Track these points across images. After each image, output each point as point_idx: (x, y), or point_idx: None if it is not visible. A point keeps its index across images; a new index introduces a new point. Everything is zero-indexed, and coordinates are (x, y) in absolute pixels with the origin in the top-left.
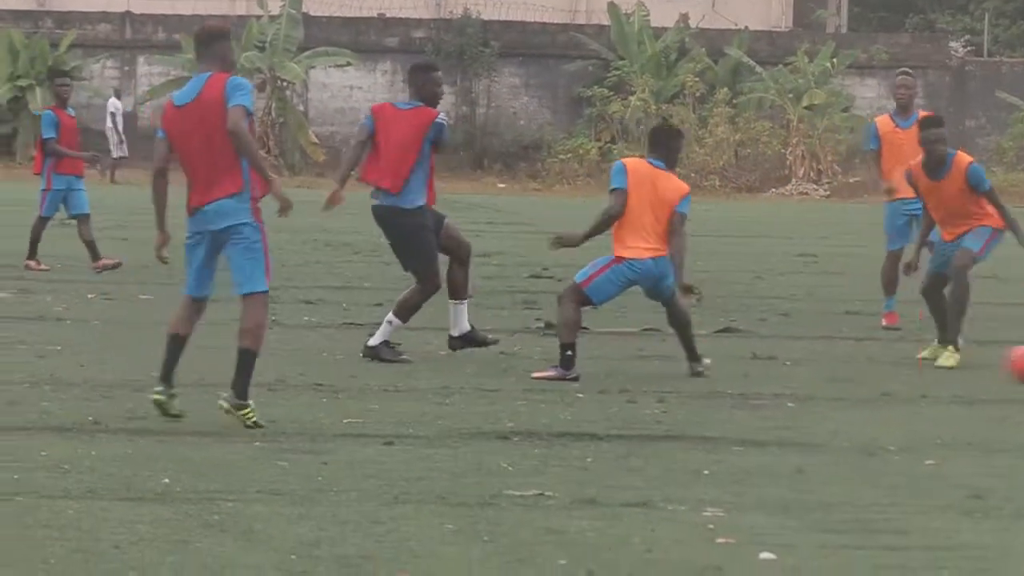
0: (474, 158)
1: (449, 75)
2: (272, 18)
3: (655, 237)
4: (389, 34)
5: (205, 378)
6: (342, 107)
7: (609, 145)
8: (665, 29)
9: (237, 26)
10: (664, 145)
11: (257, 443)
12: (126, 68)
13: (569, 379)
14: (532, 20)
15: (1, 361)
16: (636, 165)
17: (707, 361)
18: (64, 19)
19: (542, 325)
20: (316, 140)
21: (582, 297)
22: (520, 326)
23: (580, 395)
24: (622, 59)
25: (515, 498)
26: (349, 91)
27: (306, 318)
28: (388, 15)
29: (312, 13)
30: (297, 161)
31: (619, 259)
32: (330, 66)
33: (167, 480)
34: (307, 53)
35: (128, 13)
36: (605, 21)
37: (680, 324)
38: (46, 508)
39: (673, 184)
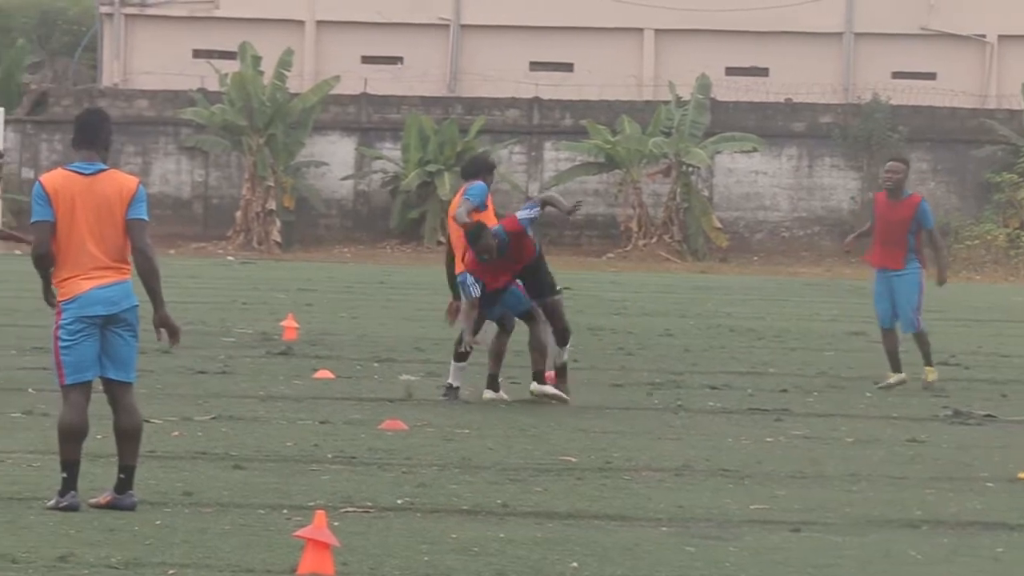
0: None
1: (855, 160)
2: (680, 103)
3: None
4: (796, 119)
5: (612, 462)
6: (747, 192)
7: (1018, 231)
8: None
9: (644, 111)
10: None
11: (664, 528)
12: (533, 153)
13: None
14: (942, 105)
15: (410, 444)
16: None
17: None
18: (473, 105)
19: (950, 413)
20: (720, 225)
21: None
22: (928, 414)
23: (989, 484)
24: None
25: None
26: (754, 176)
27: (711, 403)
28: (795, 100)
29: (719, 98)
30: (701, 246)
31: None
32: (736, 151)
33: (575, 564)
34: (713, 138)
35: (536, 99)
36: (1015, 106)
37: None
38: None
39: None
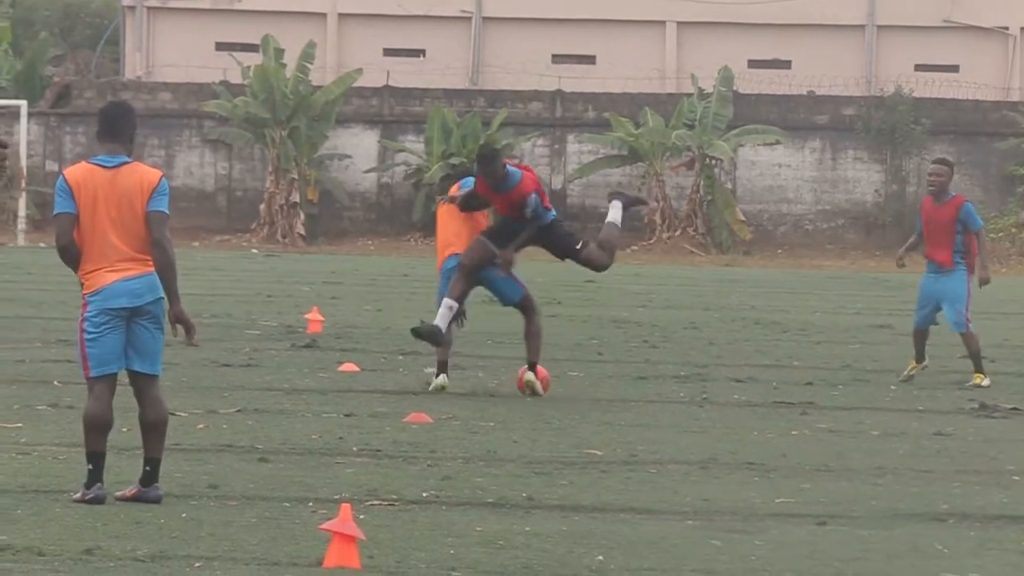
0: (903, 237)
1: (878, 152)
2: (703, 96)
3: None
4: (819, 112)
5: (638, 455)
6: (770, 185)
7: None
8: None
9: (667, 104)
10: None
11: (690, 521)
12: (556, 146)
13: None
14: (964, 98)
15: (435, 436)
16: None
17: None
18: (496, 98)
19: (976, 406)
20: (743, 218)
21: None
22: (954, 408)
23: (1016, 477)
24: None
25: None
26: (777, 169)
27: (736, 396)
28: (818, 92)
29: (742, 91)
30: (724, 239)
31: None
32: (759, 144)
33: (601, 557)
34: (736, 131)
35: (559, 91)
36: None
37: None
38: None
39: None
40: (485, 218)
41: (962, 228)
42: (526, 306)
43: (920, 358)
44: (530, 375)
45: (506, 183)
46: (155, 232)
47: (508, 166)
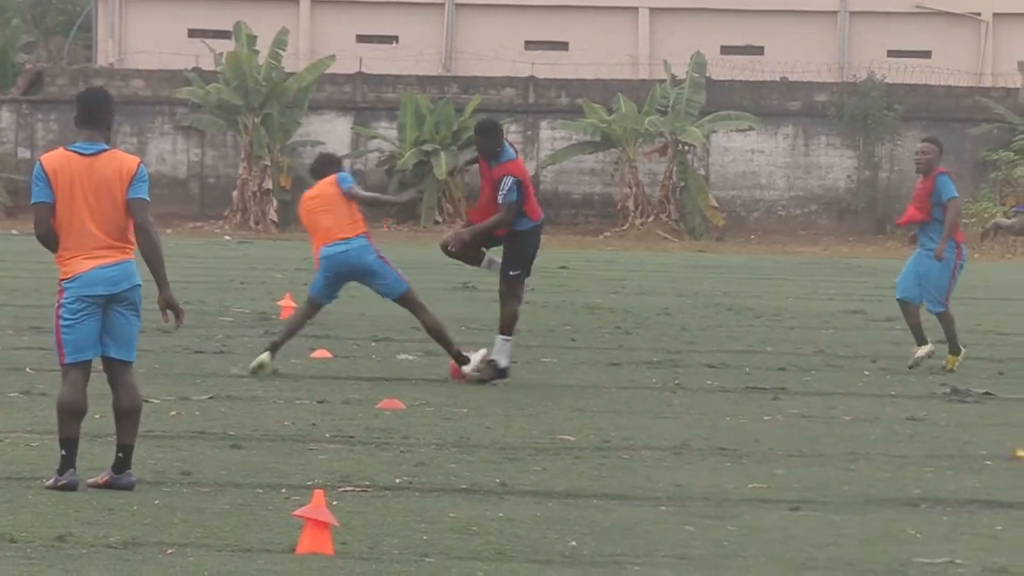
0: (876, 223)
1: (851, 138)
2: (676, 82)
3: None
4: (791, 98)
5: (609, 442)
6: (743, 171)
7: (1014, 209)
8: None
9: (640, 90)
10: None
11: (663, 507)
12: (529, 132)
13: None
14: (937, 84)
15: (408, 423)
16: None
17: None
18: (469, 84)
19: (949, 391)
20: (716, 204)
21: None
22: (926, 392)
23: (988, 462)
24: None
25: (924, 566)
26: (750, 155)
27: (709, 382)
28: (791, 79)
29: (715, 77)
30: (697, 225)
31: None
32: (732, 130)
33: (574, 543)
34: (709, 117)
35: (532, 78)
36: (1012, 84)
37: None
38: (456, 569)
39: None
40: (357, 210)
41: (938, 200)
42: (409, 301)
43: (921, 341)
44: (466, 369)
45: (498, 158)
46: (138, 218)
47: (507, 144)
